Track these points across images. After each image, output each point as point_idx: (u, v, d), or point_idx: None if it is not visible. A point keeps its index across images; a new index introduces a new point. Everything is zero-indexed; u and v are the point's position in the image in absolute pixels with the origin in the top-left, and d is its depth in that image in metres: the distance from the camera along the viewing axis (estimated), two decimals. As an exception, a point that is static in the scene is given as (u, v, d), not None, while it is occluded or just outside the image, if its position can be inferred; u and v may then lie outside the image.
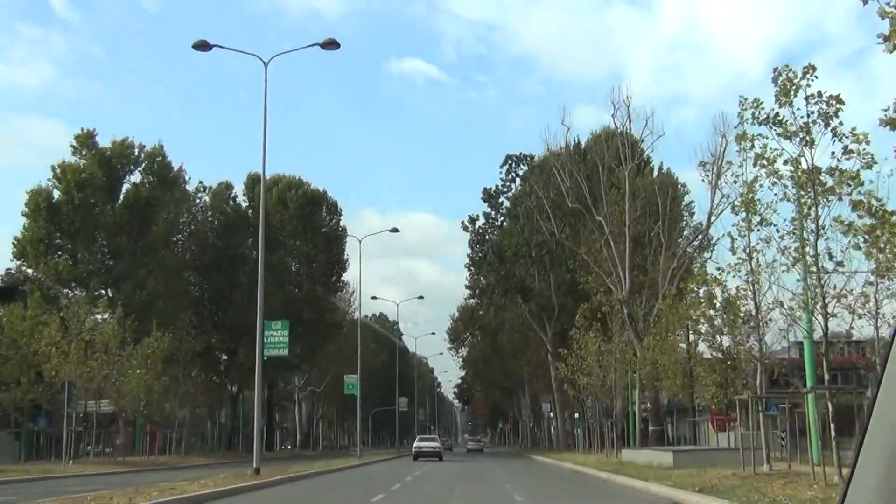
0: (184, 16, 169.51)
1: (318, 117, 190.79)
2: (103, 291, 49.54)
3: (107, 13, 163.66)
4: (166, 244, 54.15)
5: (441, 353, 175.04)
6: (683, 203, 51.29)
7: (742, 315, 32.80)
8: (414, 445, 49.37)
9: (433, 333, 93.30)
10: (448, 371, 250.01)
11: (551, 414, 55.68)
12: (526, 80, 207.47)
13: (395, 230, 46.47)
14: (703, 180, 40.82)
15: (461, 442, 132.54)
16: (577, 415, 47.76)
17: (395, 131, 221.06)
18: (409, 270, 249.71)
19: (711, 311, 33.65)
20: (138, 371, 40.10)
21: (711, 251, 44.37)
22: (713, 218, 43.17)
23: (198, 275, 60.31)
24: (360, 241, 53.32)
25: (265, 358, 26.19)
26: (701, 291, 27.55)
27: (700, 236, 43.22)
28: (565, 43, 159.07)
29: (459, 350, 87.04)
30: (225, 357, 66.14)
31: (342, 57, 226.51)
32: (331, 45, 27.30)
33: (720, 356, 33.25)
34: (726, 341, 33.98)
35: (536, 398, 69.70)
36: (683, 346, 37.82)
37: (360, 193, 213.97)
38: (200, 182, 60.26)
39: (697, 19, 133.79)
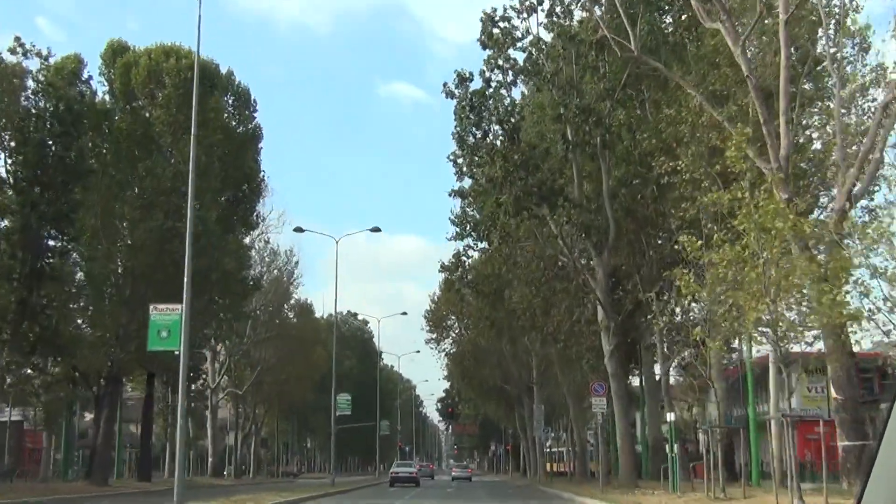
0: (167, 32, 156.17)
1: (306, 139, 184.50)
2: None
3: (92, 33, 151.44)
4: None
5: (419, 351, 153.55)
6: (855, 28, 28.42)
7: None
8: (391, 471, 51.32)
9: (405, 313, 70.87)
10: (429, 381, 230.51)
11: (601, 418, 31.12)
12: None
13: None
14: None
15: (446, 468, 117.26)
16: (671, 415, 23.64)
17: (383, 154, 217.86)
18: (396, 292, 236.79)
19: None
20: None
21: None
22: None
23: (14, 191, 36.54)
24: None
25: None
26: None
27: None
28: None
29: (441, 343, 63.27)
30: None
31: (330, 79, 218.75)
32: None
33: None
34: None
35: (563, 404, 45.75)
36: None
37: (347, 215, 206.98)
38: (17, 40, 36.33)
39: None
